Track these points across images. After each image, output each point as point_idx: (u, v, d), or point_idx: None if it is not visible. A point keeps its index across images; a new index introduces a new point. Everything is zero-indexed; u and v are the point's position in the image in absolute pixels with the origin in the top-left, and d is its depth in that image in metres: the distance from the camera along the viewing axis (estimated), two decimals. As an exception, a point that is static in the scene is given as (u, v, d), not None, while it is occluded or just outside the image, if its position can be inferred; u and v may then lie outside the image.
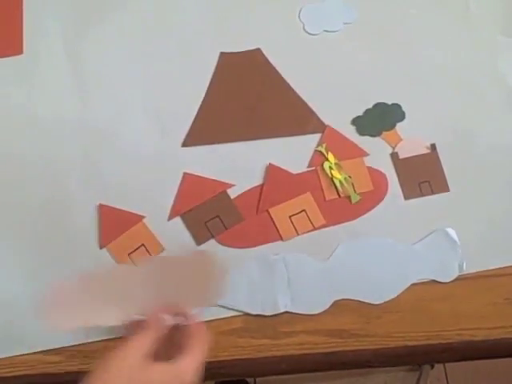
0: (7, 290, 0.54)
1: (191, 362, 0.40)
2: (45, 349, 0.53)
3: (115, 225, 0.56)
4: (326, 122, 0.59)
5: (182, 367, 0.40)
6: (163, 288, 0.45)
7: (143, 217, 0.56)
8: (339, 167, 0.58)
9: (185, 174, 0.57)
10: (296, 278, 0.55)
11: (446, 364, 1.22)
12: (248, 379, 1.20)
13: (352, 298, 0.55)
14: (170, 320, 0.43)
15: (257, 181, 0.57)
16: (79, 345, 0.53)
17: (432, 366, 1.20)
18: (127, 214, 0.56)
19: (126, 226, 0.56)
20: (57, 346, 0.53)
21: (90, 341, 0.53)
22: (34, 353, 0.53)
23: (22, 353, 0.53)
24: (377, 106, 0.60)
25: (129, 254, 0.55)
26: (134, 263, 0.55)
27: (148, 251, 0.55)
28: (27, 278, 0.55)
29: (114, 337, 0.53)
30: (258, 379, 1.21)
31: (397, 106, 0.60)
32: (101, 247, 0.55)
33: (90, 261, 0.55)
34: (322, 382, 1.21)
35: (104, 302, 0.44)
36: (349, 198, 0.57)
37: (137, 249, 0.55)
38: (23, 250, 0.55)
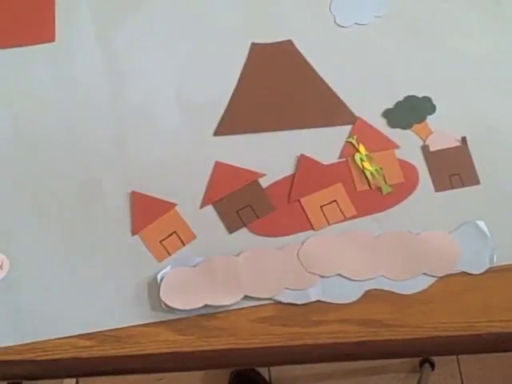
0: (40, 275, 0.54)
1: None
2: (77, 333, 0.53)
3: (147, 212, 0.56)
4: (357, 113, 0.59)
5: None
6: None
7: (175, 204, 0.56)
8: (370, 159, 0.58)
9: (216, 162, 0.57)
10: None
11: (460, 360, 1.22)
12: (264, 376, 1.21)
13: (383, 288, 0.55)
14: None
15: (288, 171, 0.58)
16: (112, 330, 0.53)
17: (432, 368, 1.20)
18: (159, 202, 0.56)
19: (158, 213, 0.56)
20: (90, 331, 0.53)
21: (122, 326, 0.53)
22: (67, 337, 0.53)
23: (54, 337, 0.53)
24: (407, 98, 0.60)
25: (161, 242, 0.55)
26: (168, 251, 0.55)
27: (180, 238, 0.55)
28: (59, 262, 0.55)
29: (146, 322, 0.53)
30: (272, 375, 1.22)
31: (427, 99, 0.60)
32: (133, 234, 0.55)
33: (122, 247, 0.55)
34: (326, 381, 1.22)
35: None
36: (380, 189, 0.57)
37: (169, 236, 0.55)
38: (56, 235, 0.55)
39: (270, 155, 0.58)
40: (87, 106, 0.59)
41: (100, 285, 0.54)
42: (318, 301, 0.54)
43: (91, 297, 0.54)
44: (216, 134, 0.58)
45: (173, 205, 0.56)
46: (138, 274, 0.55)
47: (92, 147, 0.58)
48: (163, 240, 0.55)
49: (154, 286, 0.54)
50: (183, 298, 0.53)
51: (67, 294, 0.54)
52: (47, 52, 0.61)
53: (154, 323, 0.53)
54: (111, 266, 0.55)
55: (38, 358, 0.52)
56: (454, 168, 0.59)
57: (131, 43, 0.61)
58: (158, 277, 0.54)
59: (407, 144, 0.59)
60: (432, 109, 0.60)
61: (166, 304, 0.53)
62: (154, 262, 0.55)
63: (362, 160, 0.58)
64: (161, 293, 0.53)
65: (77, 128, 0.58)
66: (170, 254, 0.55)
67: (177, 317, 0.53)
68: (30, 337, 0.53)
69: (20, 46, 0.60)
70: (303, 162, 0.58)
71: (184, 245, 0.55)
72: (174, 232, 0.55)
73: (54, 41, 0.61)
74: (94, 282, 0.54)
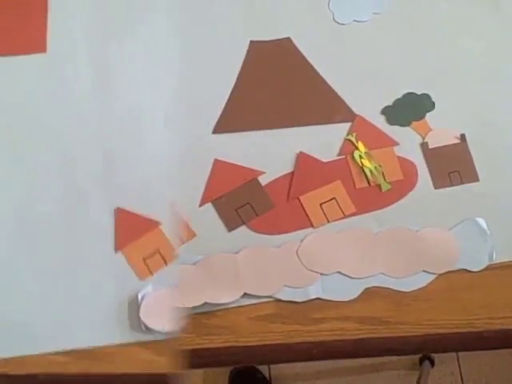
0: (20, 290, 0.54)
1: None
2: (54, 350, 0.53)
3: (131, 229, 0.55)
4: (356, 111, 0.59)
5: None
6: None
7: (159, 223, 0.55)
8: (369, 156, 0.58)
9: (215, 160, 0.57)
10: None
11: (460, 357, 1.22)
12: (264, 374, 1.21)
13: (383, 285, 0.55)
14: None
15: (287, 168, 0.58)
16: (89, 348, 0.53)
17: (432, 365, 1.20)
18: (144, 220, 0.55)
19: (142, 230, 0.55)
20: (67, 348, 0.53)
21: (99, 344, 0.53)
22: (44, 353, 0.52)
23: (31, 353, 0.52)
24: (406, 95, 0.60)
25: (144, 259, 0.55)
26: (151, 270, 0.55)
27: (163, 257, 0.55)
28: (40, 277, 0.54)
29: (125, 341, 0.53)
30: (272, 373, 1.22)
31: (426, 96, 0.60)
32: (116, 250, 0.55)
33: (104, 263, 0.55)
34: (326, 379, 1.22)
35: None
36: (379, 186, 0.57)
37: (152, 254, 0.55)
38: (37, 249, 0.55)
39: (269, 153, 0.58)
40: (76, 118, 0.58)
41: (80, 301, 0.54)
42: (318, 298, 0.54)
43: (70, 313, 0.53)
44: (215, 131, 0.58)
45: (157, 223, 0.55)
46: (119, 292, 0.54)
47: (79, 159, 0.57)
48: (146, 258, 0.55)
49: (134, 305, 0.53)
50: (163, 319, 0.52)
51: (45, 308, 0.53)
52: (37, 62, 0.59)
53: (132, 343, 0.53)
54: (92, 281, 0.54)
55: (11, 373, 0.52)
56: (453, 165, 0.58)
57: (123, 48, 0.60)
58: (139, 296, 0.53)
59: (406, 141, 0.59)
60: (431, 106, 0.60)
61: (145, 325, 0.52)
62: (136, 280, 0.54)
63: (361, 157, 0.58)
64: (141, 313, 0.52)
65: (64, 139, 0.57)
66: (152, 273, 0.54)
67: (155, 338, 0.53)
68: (5, 351, 0.52)
69: (10, 54, 0.59)
70: (302, 159, 0.58)
71: (166, 264, 0.55)
72: (158, 250, 0.55)
73: (44, 51, 0.60)
74: (73, 297, 0.54)
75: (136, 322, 0.53)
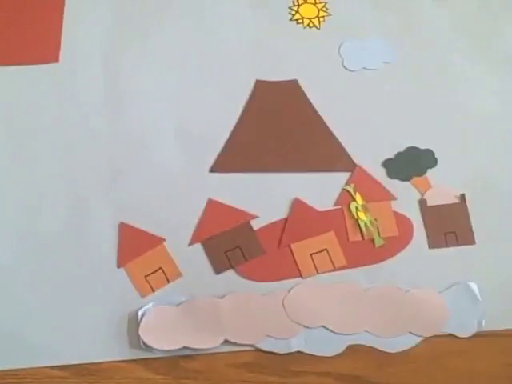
0: (20, 303, 0.54)
1: None
2: (52, 364, 0.52)
3: (135, 245, 0.55)
4: (357, 161, 0.59)
5: None
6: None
7: (164, 239, 0.55)
8: (366, 209, 0.57)
9: (210, 200, 0.57)
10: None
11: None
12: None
13: (367, 343, 0.54)
14: None
15: (281, 214, 0.57)
16: (88, 363, 0.53)
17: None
18: (148, 236, 0.55)
19: (145, 247, 0.55)
20: (65, 363, 0.52)
21: (98, 360, 0.53)
22: (43, 367, 0.52)
23: (29, 366, 0.52)
24: (409, 149, 0.59)
25: (145, 277, 0.55)
26: (152, 287, 0.54)
27: (166, 275, 0.55)
28: (41, 290, 0.54)
29: (124, 358, 0.53)
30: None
31: (429, 152, 0.59)
32: (118, 266, 0.55)
33: (106, 279, 0.54)
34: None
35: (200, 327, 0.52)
36: (372, 241, 0.56)
37: (154, 271, 0.55)
38: (38, 262, 0.55)
39: (265, 196, 0.57)
40: (85, 130, 0.58)
41: (80, 316, 0.54)
42: (299, 351, 0.53)
43: (70, 327, 0.53)
44: (212, 170, 0.58)
45: (161, 240, 0.55)
46: (120, 309, 0.54)
47: (86, 172, 0.57)
48: (148, 275, 0.55)
49: (134, 322, 0.53)
50: (162, 337, 0.52)
51: (45, 322, 0.53)
52: (50, 72, 0.60)
53: (130, 360, 0.53)
54: (93, 297, 0.54)
55: (9, 384, 0.52)
56: (450, 225, 0.57)
57: (135, 72, 0.60)
58: (139, 313, 0.53)
59: (405, 196, 0.58)
60: (433, 162, 0.59)
61: (144, 342, 0.52)
62: (137, 297, 0.54)
63: (357, 209, 0.57)
64: (140, 330, 0.52)
65: (72, 151, 0.58)
66: (153, 291, 0.54)
67: (154, 356, 0.53)
68: (3, 363, 0.52)
69: (23, 64, 0.60)
70: (297, 206, 0.57)
71: (169, 282, 0.55)
72: (160, 268, 0.55)
73: (57, 61, 0.60)
74: (73, 312, 0.54)
75: (135, 339, 0.53)
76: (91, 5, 0.62)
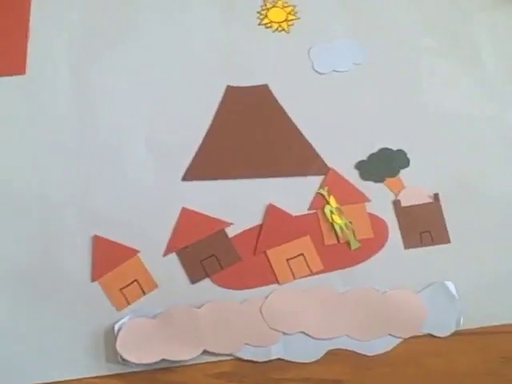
0: None
1: None
2: (30, 383, 0.51)
3: (109, 258, 0.54)
4: (330, 164, 0.58)
5: None
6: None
7: (138, 251, 0.54)
8: (340, 212, 0.57)
9: (183, 208, 0.56)
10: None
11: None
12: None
13: (346, 347, 0.54)
14: None
15: (256, 220, 0.56)
16: (65, 380, 0.52)
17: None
18: (122, 248, 0.54)
19: (119, 259, 0.54)
20: (40, 382, 0.51)
21: (74, 377, 0.52)
22: None
23: None
24: (382, 151, 0.59)
25: (121, 289, 0.54)
26: (128, 300, 0.53)
27: (141, 287, 0.54)
28: (12, 309, 0.53)
29: (101, 374, 0.52)
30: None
31: (401, 152, 0.59)
32: (92, 280, 0.54)
33: (80, 294, 0.53)
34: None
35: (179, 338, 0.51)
36: (348, 243, 0.56)
37: (129, 284, 0.54)
38: (13, 279, 0.54)
39: (239, 203, 0.57)
40: (54, 142, 0.58)
41: (55, 332, 0.52)
42: (279, 359, 0.53)
43: (45, 345, 0.52)
44: (184, 178, 0.57)
45: (135, 251, 0.54)
46: (95, 323, 0.53)
47: (56, 183, 0.56)
48: (123, 288, 0.54)
49: (110, 337, 0.52)
50: (140, 351, 0.51)
51: (20, 340, 0.52)
52: (16, 84, 0.59)
53: (107, 375, 0.52)
54: (67, 312, 0.53)
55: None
56: (424, 225, 0.58)
57: (104, 81, 0.60)
58: (116, 327, 0.52)
59: (379, 198, 0.58)
60: (406, 163, 0.59)
61: (121, 357, 0.51)
62: (113, 311, 0.53)
63: (331, 213, 0.57)
64: (117, 345, 0.51)
65: (42, 164, 0.57)
66: (129, 303, 0.54)
67: (132, 370, 0.52)
68: None
69: None
70: (272, 212, 0.56)
71: (145, 294, 0.54)
72: (136, 280, 0.54)
73: (24, 73, 0.59)
74: (48, 329, 0.53)
75: (113, 354, 0.52)
76: (58, 14, 0.62)
